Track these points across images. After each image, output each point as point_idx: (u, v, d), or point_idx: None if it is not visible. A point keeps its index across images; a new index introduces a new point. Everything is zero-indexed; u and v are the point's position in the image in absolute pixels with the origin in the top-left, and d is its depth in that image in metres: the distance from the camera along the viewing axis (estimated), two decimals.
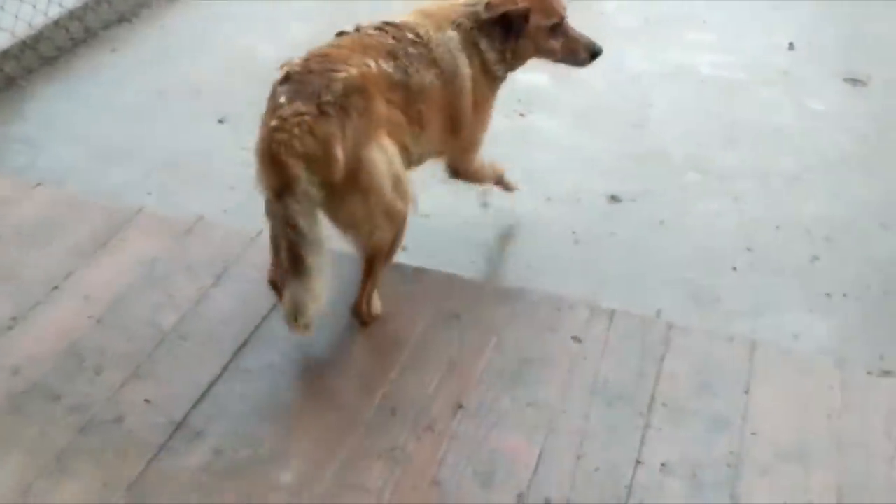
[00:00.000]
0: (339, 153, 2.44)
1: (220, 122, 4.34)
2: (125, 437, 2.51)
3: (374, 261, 2.79)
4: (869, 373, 2.80)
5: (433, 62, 2.82)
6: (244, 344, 2.81)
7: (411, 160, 2.88)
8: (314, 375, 2.76)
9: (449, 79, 2.88)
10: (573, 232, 3.55)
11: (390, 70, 2.68)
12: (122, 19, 5.32)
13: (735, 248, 3.45)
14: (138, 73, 4.74)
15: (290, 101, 2.46)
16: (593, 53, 3.12)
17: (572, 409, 2.62)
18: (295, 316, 2.50)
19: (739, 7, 5.37)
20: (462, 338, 2.88)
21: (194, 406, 2.60)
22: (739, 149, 4.05)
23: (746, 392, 2.68)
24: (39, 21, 4.71)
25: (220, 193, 3.81)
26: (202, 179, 3.91)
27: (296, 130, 2.41)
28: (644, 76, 4.32)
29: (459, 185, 3.66)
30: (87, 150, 4.09)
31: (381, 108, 2.59)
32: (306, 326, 2.52)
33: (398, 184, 2.65)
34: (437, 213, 3.49)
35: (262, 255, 3.19)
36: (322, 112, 2.44)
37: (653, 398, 2.65)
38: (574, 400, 2.65)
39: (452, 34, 2.91)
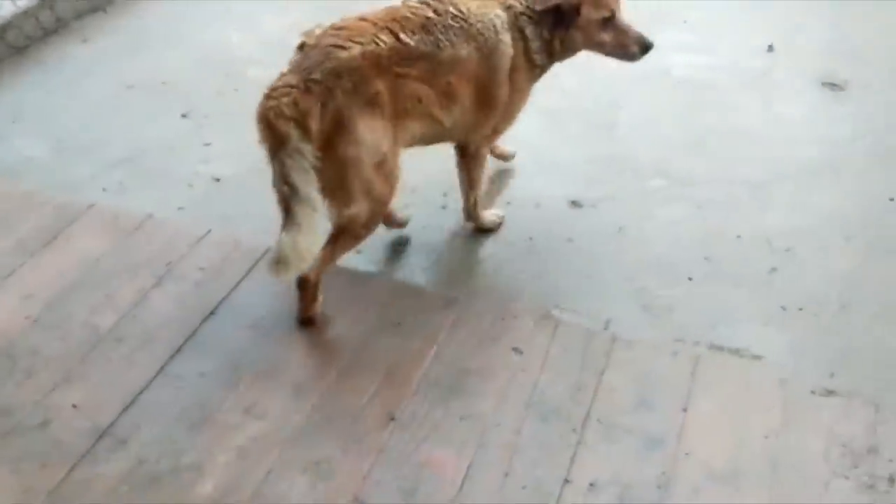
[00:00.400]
0: (315, 127, 2.61)
1: (184, 116, 4.29)
2: (49, 443, 2.49)
3: (340, 235, 2.87)
4: (813, 392, 2.73)
5: (472, 36, 2.92)
6: (178, 350, 2.78)
7: (444, 133, 3.04)
8: (247, 383, 2.72)
9: (487, 54, 2.96)
10: (530, 238, 3.49)
11: (413, 43, 2.79)
12: (96, 8, 5.26)
13: (693, 258, 3.39)
14: (107, 64, 4.70)
15: (288, 72, 2.71)
16: (644, 47, 3.20)
17: (505, 423, 2.58)
18: (277, 267, 2.63)
19: (721, 6, 5.26)
20: (402, 346, 2.84)
21: (122, 413, 2.58)
22: (707, 155, 3.97)
23: (685, 410, 2.63)
24: (8, 10, 4.67)
25: (177, 190, 3.76)
26: (160, 176, 3.87)
27: (284, 100, 2.63)
28: (616, 77, 4.22)
29: (418, 189, 3.65)
30: (49, 143, 4.06)
31: (378, 87, 2.70)
32: (285, 277, 2.68)
33: (381, 165, 2.77)
34: None
35: (207, 256, 3.17)
36: (306, 89, 2.63)
37: (588, 414, 2.60)
38: (508, 413, 2.61)
39: (500, 13, 3.00)
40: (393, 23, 2.82)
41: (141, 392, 2.63)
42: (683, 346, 2.92)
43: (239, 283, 3.06)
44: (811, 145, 4.04)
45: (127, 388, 2.64)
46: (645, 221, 3.59)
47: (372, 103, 2.71)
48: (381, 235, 3.42)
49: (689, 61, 4.65)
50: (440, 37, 2.86)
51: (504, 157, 3.79)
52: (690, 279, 3.30)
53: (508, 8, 3.03)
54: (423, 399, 2.66)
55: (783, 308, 3.17)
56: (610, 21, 3.11)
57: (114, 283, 3.02)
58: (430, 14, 2.89)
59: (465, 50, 2.90)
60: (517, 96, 3.16)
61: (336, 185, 2.73)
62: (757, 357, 2.94)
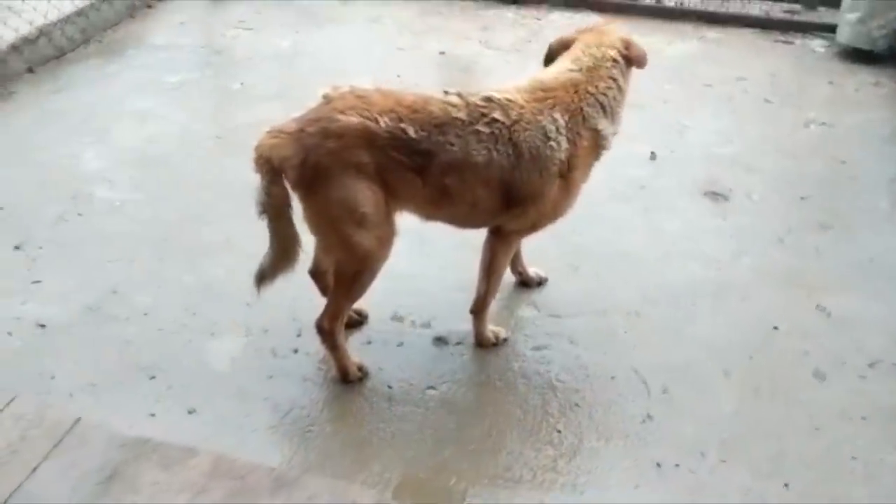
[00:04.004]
0: (292, 175, 2.85)
1: (17, 248, 3.88)
2: None
3: (336, 283, 3.08)
4: None
5: (513, 143, 2.93)
6: None
7: (435, 219, 3.14)
8: None
9: (528, 160, 2.96)
10: (389, 387, 3.16)
11: (415, 137, 2.85)
12: None
13: (561, 406, 3.10)
14: None
15: (295, 119, 2.90)
16: None
17: None
18: (257, 279, 3.05)
19: None
20: None
21: None
22: (581, 279, 3.72)
23: None
24: None
25: None
26: None
27: (270, 141, 2.88)
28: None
29: (270, 329, 3.33)
30: None
31: (363, 158, 2.83)
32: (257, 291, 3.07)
33: (363, 222, 2.88)
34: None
35: (4, 432, 2.76)
36: (297, 137, 2.85)
37: None
38: None
39: (558, 117, 3.00)
40: (409, 111, 2.88)
41: None
42: None
43: (37, 467, 2.64)
44: (692, 263, 3.82)
45: None
46: (511, 361, 3.29)
47: (355, 168, 2.84)
48: (224, 388, 3.07)
49: None
50: (453, 140, 2.89)
51: (528, 281, 3.66)
52: (558, 431, 3.00)
53: (573, 112, 3.01)
54: None
55: (658, 465, 2.88)
56: None
57: None
58: (461, 115, 2.91)
59: (484, 156, 2.90)
60: (572, 192, 3.13)
61: (316, 230, 2.98)
62: None
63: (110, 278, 3.68)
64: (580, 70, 3.08)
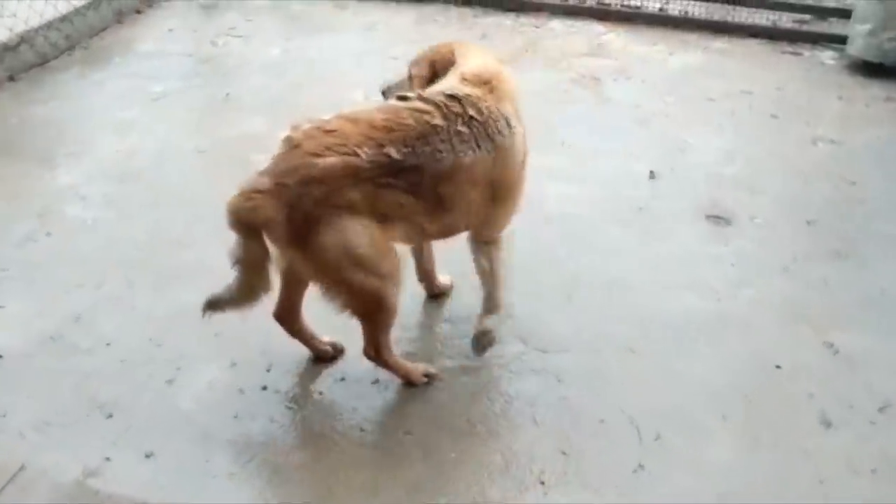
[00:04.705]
0: (279, 233, 2.67)
1: None
2: None
3: (359, 321, 2.93)
4: None
5: (489, 137, 2.87)
6: None
7: (428, 234, 3.03)
8: None
9: (503, 152, 2.91)
10: (361, 430, 2.96)
11: (400, 157, 2.71)
12: None
13: (547, 454, 2.87)
14: None
15: (263, 172, 2.70)
16: None
17: None
18: (208, 305, 2.91)
19: (603, 126, 4.92)
20: None
21: None
22: (572, 310, 3.50)
23: None
24: None
25: None
26: None
27: (247, 204, 2.66)
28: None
29: (238, 363, 3.13)
30: None
31: (351, 196, 2.67)
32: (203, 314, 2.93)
33: (362, 263, 2.72)
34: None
35: None
36: (276, 193, 2.64)
37: None
38: None
39: (508, 106, 2.96)
40: (384, 132, 2.73)
41: None
42: None
43: None
44: (690, 294, 3.60)
45: None
46: (494, 402, 3.08)
47: (346, 210, 2.68)
48: (185, 428, 2.87)
49: (562, 192, 4.24)
50: (439, 147, 2.78)
51: (443, 289, 3.57)
52: (542, 483, 2.78)
53: (512, 99, 3.01)
54: None
55: None
56: None
57: None
58: (437, 122, 2.79)
59: (471, 156, 2.83)
60: (523, 178, 3.11)
61: (318, 282, 2.82)
62: None
63: (75, 304, 3.49)
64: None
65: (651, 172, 4.41)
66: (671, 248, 3.89)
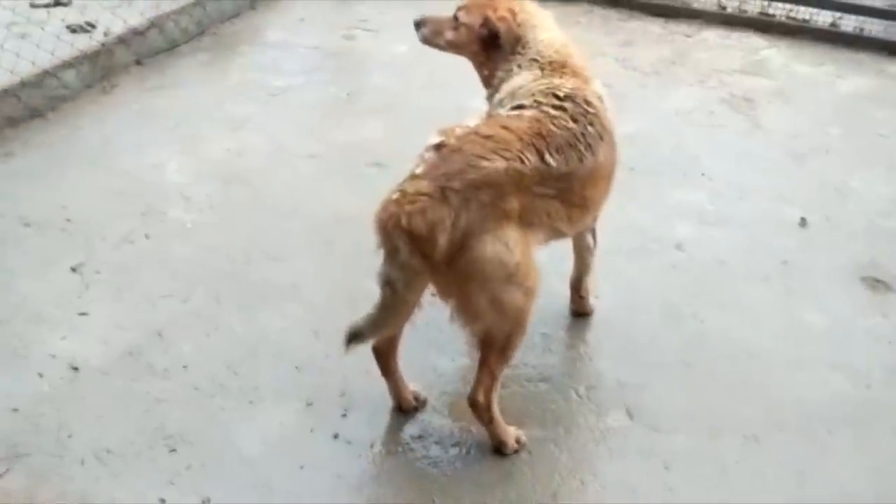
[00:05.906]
0: (443, 240, 2.47)
1: (73, 270, 3.60)
2: None
3: (485, 350, 2.68)
4: None
5: (605, 129, 2.81)
6: None
7: (562, 235, 2.91)
8: None
9: (608, 137, 2.84)
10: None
11: (555, 164, 2.66)
12: (34, 115, 4.70)
13: None
14: (14, 191, 4.08)
15: (423, 175, 2.54)
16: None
17: None
18: (350, 337, 2.68)
19: (752, 157, 4.37)
20: None
21: None
22: (692, 381, 3.06)
23: None
24: None
25: (22, 381, 3.09)
26: (11, 356, 3.17)
27: (408, 207, 2.48)
28: (603, 245, 3.32)
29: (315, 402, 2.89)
30: None
31: (513, 204, 2.57)
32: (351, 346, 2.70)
33: (513, 276, 2.57)
34: None
35: None
36: (442, 197, 2.48)
37: None
38: None
39: (595, 83, 2.91)
40: (539, 139, 2.65)
41: None
42: None
43: None
44: (835, 375, 3.09)
45: None
46: (587, 485, 2.70)
47: (506, 217, 2.56)
48: (247, 475, 2.64)
49: (697, 234, 3.77)
50: (582, 150, 2.73)
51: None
52: None
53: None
54: None
55: None
56: None
57: None
58: (571, 124, 2.72)
59: (602, 153, 2.78)
60: None
61: (460, 299, 2.60)
62: None
63: (159, 318, 3.34)
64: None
65: (802, 219, 3.85)
66: (817, 314, 3.36)
